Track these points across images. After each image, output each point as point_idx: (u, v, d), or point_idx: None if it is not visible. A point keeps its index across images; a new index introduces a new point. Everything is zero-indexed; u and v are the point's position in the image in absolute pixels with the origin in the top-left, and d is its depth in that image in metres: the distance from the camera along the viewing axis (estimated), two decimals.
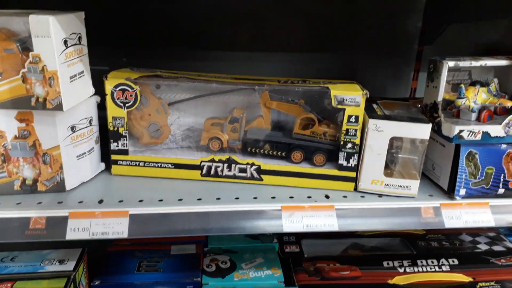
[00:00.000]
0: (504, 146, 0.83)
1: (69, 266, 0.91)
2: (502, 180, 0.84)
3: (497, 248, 1.17)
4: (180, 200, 0.82)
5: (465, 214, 0.84)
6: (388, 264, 1.07)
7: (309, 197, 0.85)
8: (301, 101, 0.90)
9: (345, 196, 0.85)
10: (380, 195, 0.86)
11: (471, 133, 0.80)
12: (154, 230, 0.78)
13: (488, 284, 0.99)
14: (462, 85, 0.84)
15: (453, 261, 1.08)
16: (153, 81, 0.90)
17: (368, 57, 1.36)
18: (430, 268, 1.06)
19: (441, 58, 0.85)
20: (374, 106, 0.91)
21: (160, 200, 0.82)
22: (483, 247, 1.18)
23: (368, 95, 0.82)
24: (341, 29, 1.31)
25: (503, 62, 0.84)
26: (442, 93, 0.84)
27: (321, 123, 0.89)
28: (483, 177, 0.84)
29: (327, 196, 0.85)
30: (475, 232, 1.25)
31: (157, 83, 0.91)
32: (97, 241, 0.85)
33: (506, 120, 0.80)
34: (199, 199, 0.82)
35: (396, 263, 1.07)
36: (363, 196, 0.86)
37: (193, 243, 1.09)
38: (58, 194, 0.83)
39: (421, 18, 1.36)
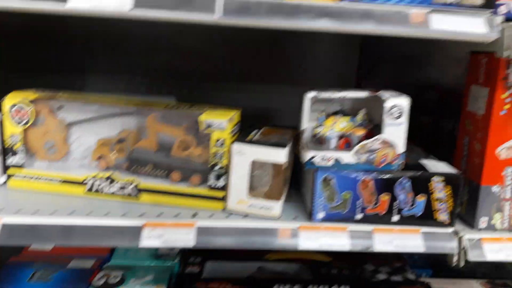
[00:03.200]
0: (358, 173, 0.87)
1: None
2: (359, 205, 0.89)
3: (395, 278, 1.19)
4: (52, 213, 0.88)
5: (322, 237, 0.88)
6: (279, 287, 1.10)
7: (177, 215, 0.90)
8: (185, 125, 0.97)
9: (211, 215, 0.90)
10: (245, 216, 0.91)
11: (323, 159, 0.86)
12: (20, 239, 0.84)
13: None
14: (321, 115, 0.90)
15: None
16: (49, 102, 0.98)
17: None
18: None
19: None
20: (254, 132, 0.98)
21: (35, 212, 0.88)
22: (382, 276, 1.20)
23: (233, 121, 0.88)
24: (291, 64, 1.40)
25: (362, 95, 0.90)
26: (305, 122, 0.90)
27: (198, 146, 0.95)
28: (341, 202, 0.88)
29: (194, 215, 0.90)
30: (381, 262, 1.27)
31: (52, 104, 0.99)
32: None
33: (356, 148, 0.86)
34: (72, 213, 0.88)
35: (287, 287, 1.10)
36: (228, 216, 0.91)
37: (94, 258, 1.14)
38: None
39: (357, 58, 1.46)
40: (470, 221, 0.95)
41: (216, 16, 0.70)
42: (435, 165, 0.92)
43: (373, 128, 0.93)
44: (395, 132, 0.85)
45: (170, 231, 0.86)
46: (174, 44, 1.38)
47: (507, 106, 0.88)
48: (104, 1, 0.68)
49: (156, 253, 1.21)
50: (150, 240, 0.85)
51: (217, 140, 0.89)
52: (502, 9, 0.78)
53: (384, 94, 0.86)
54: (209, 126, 0.89)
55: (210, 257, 1.23)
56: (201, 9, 0.69)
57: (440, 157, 0.98)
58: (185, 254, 1.23)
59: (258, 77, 1.44)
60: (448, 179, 0.87)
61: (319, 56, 1.47)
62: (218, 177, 0.91)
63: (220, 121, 0.89)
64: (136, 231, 0.86)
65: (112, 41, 1.37)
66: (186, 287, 1.08)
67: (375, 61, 1.50)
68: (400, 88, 1.45)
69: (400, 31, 0.72)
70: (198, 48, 1.39)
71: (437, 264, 1.34)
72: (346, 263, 1.27)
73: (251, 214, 0.91)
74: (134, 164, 0.97)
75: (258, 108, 1.39)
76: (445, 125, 1.32)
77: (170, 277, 1.10)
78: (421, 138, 1.48)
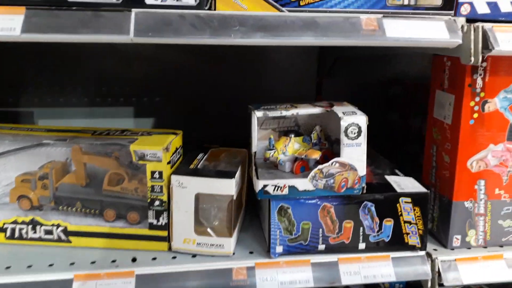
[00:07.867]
0: (317, 200, 0.77)
1: None
2: (321, 235, 0.79)
3: None
4: None
5: (282, 273, 0.78)
6: None
7: (114, 261, 0.78)
8: (115, 154, 0.84)
9: (154, 258, 0.79)
10: (194, 255, 0.80)
11: (277, 187, 0.75)
12: None
13: None
14: (271, 136, 0.79)
15: None
16: None
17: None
18: None
19: (255, 107, 0.80)
20: (199, 156, 0.86)
21: None
22: None
23: (169, 150, 0.77)
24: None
25: (316, 110, 0.80)
26: (255, 144, 0.79)
27: (133, 178, 0.83)
28: (300, 233, 0.78)
29: (134, 259, 0.78)
30: None
31: None
32: None
33: (312, 173, 0.75)
34: None
35: None
36: (175, 257, 0.79)
37: None
38: None
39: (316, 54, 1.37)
40: (442, 239, 0.87)
41: (131, 35, 0.57)
42: (401, 183, 0.82)
43: (331, 145, 0.84)
44: (354, 154, 0.75)
45: (104, 282, 0.74)
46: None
47: (475, 115, 0.79)
48: None
49: None
50: None
51: (153, 173, 0.77)
52: (464, 9, 0.69)
53: (338, 110, 0.76)
54: (142, 157, 0.77)
55: None
56: (112, 29, 0.56)
57: (409, 157, 0.89)
58: None
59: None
60: (416, 200, 0.78)
61: (277, 60, 1.37)
62: (159, 214, 0.79)
63: (154, 152, 0.76)
64: (65, 286, 0.73)
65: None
66: None
67: (336, 59, 1.41)
68: (363, 85, 1.37)
69: (350, 41, 0.61)
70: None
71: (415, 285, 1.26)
72: None
73: (201, 253, 0.79)
74: (61, 203, 0.84)
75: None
76: (413, 122, 1.24)
77: None
78: (389, 135, 1.40)
